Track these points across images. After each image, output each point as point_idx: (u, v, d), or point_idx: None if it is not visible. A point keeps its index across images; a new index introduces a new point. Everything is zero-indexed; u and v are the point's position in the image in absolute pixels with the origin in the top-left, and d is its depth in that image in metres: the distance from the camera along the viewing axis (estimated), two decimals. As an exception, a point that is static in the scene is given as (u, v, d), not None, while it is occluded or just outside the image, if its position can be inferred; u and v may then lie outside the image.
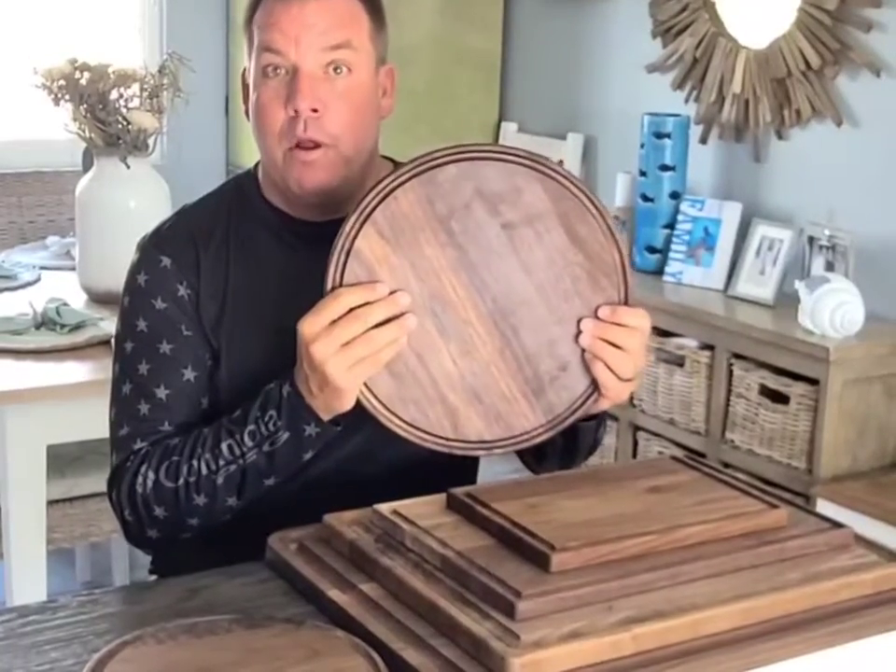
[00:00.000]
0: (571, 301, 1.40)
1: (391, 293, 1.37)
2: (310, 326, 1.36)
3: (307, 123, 1.52)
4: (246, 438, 1.47)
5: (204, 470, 1.50)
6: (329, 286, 1.37)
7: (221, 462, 1.49)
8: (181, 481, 1.51)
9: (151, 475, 1.52)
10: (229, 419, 1.50)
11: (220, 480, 1.49)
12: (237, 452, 1.48)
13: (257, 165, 1.67)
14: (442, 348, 1.39)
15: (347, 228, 1.37)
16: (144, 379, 1.58)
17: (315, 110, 1.52)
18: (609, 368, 1.41)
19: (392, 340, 1.36)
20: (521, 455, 1.61)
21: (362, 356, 1.35)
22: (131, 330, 1.60)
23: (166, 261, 1.60)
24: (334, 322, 1.36)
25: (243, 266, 1.61)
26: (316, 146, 1.53)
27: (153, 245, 1.63)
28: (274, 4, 1.55)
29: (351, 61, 1.54)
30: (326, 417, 1.43)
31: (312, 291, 1.45)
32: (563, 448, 1.56)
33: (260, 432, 1.47)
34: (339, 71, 1.54)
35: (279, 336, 1.54)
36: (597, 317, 1.41)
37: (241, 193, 1.66)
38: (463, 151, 1.38)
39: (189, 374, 1.58)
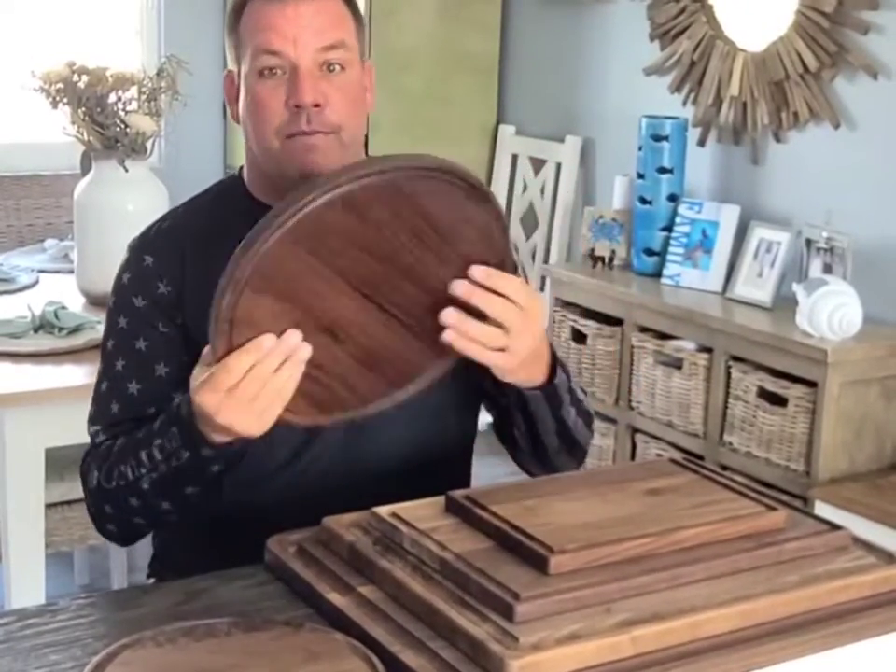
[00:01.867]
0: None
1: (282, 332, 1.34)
2: (210, 399, 1.35)
3: (310, 116, 1.55)
4: (156, 451, 1.50)
5: (130, 475, 1.53)
6: (216, 356, 1.34)
7: (142, 469, 1.52)
8: (114, 483, 1.56)
9: (96, 474, 1.59)
10: (149, 427, 1.53)
11: (145, 485, 1.52)
12: (150, 463, 1.51)
13: (240, 170, 1.70)
14: (339, 352, 1.38)
15: (225, 303, 1.31)
16: (119, 376, 1.63)
17: (317, 105, 1.54)
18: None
19: (290, 377, 1.34)
20: (510, 451, 1.64)
21: (267, 404, 1.35)
22: (113, 328, 1.65)
23: (149, 260, 1.63)
24: (232, 387, 1.34)
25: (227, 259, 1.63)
26: (318, 132, 1.56)
27: (139, 244, 1.67)
28: (267, 7, 1.56)
29: (344, 59, 1.57)
30: (230, 439, 1.42)
31: None
32: (528, 429, 1.57)
33: (166, 447, 1.48)
34: (333, 69, 1.56)
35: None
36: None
37: (227, 193, 1.70)
38: (331, 188, 1.30)
39: (162, 370, 1.61)
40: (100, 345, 1.69)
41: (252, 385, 1.33)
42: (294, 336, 1.34)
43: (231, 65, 1.64)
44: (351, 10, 1.61)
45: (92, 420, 1.66)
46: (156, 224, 1.69)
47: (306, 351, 1.34)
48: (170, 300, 1.61)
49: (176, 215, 1.70)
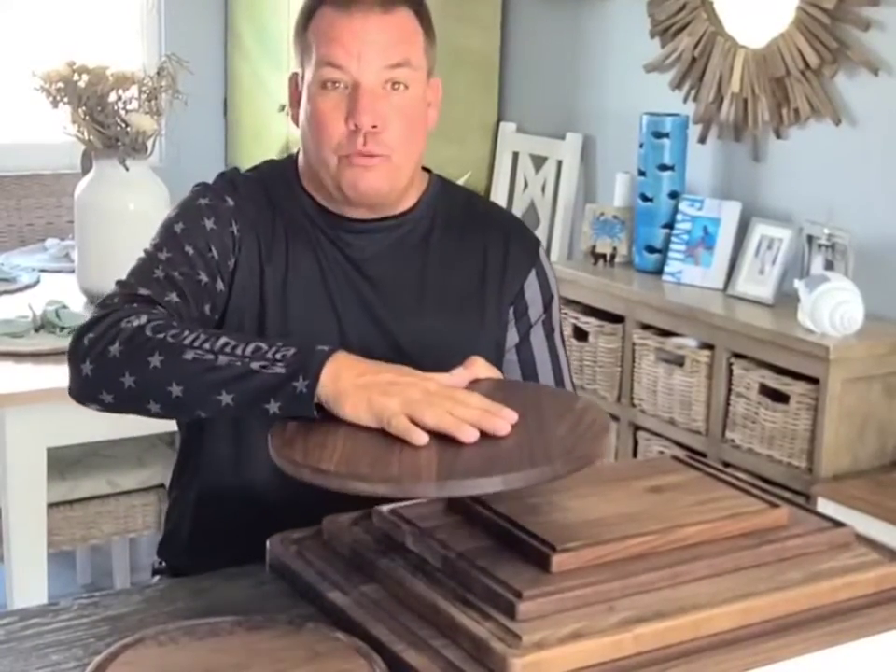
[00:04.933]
0: None
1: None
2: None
3: (366, 137, 1.57)
4: (249, 347, 1.38)
5: (187, 341, 1.39)
6: None
7: (207, 346, 1.39)
8: (160, 335, 1.41)
9: (143, 319, 1.43)
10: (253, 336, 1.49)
11: (188, 356, 1.38)
12: (227, 350, 1.38)
13: (296, 154, 1.71)
14: None
15: None
16: (162, 261, 1.57)
17: (374, 126, 1.57)
18: None
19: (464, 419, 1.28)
20: None
21: (442, 415, 1.28)
22: (164, 231, 1.62)
23: (230, 202, 1.64)
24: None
25: (283, 242, 1.64)
26: (374, 156, 1.58)
27: (220, 186, 1.66)
28: (336, 16, 1.57)
29: (408, 78, 1.59)
30: (323, 399, 1.33)
31: (341, 280, 1.59)
32: None
33: (263, 352, 1.37)
34: (396, 87, 1.58)
35: (303, 312, 1.61)
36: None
37: (281, 178, 1.70)
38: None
39: (204, 278, 1.58)
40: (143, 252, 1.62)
41: (464, 403, 1.30)
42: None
43: (297, 68, 1.65)
44: (423, 25, 1.62)
45: (129, 276, 1.55)
46: (228, 176, 1.69)
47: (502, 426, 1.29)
48: (234, 242, 1.62)
49: (245, 178, 1.69)
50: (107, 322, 1.44)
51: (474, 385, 1.43)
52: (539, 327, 1.72)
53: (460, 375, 1.43)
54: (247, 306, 1.62)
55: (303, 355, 1.35)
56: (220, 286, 1.60)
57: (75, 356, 1.45)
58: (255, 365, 1.36)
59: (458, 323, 1.66)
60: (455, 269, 1.68)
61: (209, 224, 1.61)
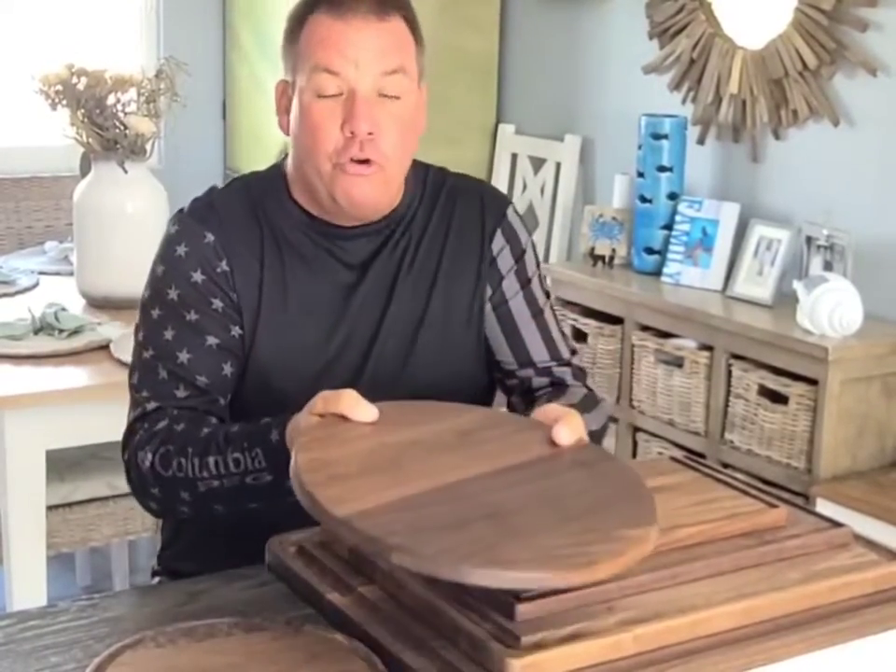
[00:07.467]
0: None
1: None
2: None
3: (363, 144, 1.56)
4: (231, 462, 1.48)
5: (190, 473, 1.51)
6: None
7: (205, 473, 1.50)
8: (170, 472, 1.52)
9: (149, 457, 1.53)
10: (224, 432, 1.51)
11: (202, 488, 1.50)
12: (221, 471, 1.49)
13: (282, 163, 1.70)
14: None
15: None
16: (167, 344, 1.60)
17: (370, 133, 1.55)
18: None
19: None
20: None
21: None
22: (160, 298, 1.62)
23: (210, 237, 1.62)
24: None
25: (276, 255, 1.64)
26: (369, 163, 1.57)
27: (195, 219, 1.64)
28: (331, 23, 1.56)
29: (403, 85, 1.58)
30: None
31: (332, 288, 1.61)
32: None
33: (245, 464, 1.47)
34: (391, 96, 1.57)
35: (300, 325, 1.61)
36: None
37: (268, 189, 1.68)
38: None
39: (212, 341, 1.60)
40: (139, 310, 1.65)
41: None
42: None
43: (286, 76, 1.64)
44: (413, 33, 1.61)
45: (140, 385, 1.61)
46: (205, 200, 1.67)
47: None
48: (228, 278, 1.61)
49: (223, 196, 1.68)
50: (133, 461, 1.56)
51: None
52: (511, 276, 1.72)
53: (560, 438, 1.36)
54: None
55: (268, 453, 1.45)
56: (235, 331, 1.61)
57: (138, 495, 1.59)
58: (248, 480, 1.47)
59: (455, 304, 1.68)
60: (444, 252, 1.69)
61: (198, 277, 1.61)
